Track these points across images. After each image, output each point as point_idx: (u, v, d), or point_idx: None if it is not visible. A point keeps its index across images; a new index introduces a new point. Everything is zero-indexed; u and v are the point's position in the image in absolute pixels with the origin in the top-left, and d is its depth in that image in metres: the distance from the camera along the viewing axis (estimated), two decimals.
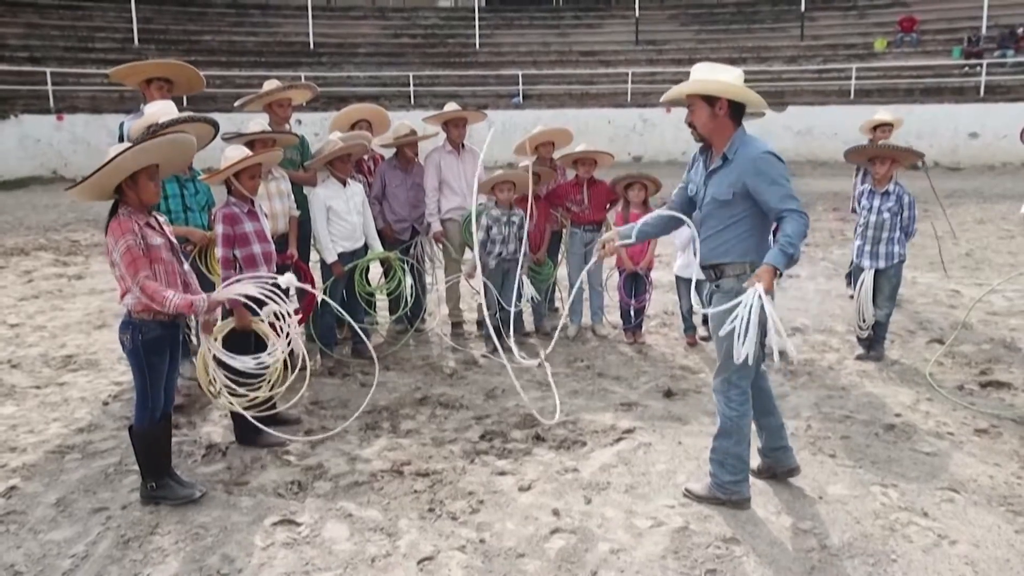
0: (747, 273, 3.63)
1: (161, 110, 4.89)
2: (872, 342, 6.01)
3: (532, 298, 6.66)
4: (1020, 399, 5.24)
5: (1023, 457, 4.37)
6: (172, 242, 3.93)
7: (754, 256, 3.67)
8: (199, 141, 5.02)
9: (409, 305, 6.44)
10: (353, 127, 6.56)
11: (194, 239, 5.17)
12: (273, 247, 4.85)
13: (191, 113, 5.06)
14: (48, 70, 19.06)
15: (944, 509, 3.83)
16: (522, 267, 6.34)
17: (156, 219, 3.89)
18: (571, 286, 6.75)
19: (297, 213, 5.88)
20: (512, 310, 6.32)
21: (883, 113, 7.92)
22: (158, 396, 3.87)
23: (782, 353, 3.89)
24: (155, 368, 3.84)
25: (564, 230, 6.86)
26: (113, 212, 3.73)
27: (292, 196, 5.86)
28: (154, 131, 4.35)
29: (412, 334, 6.77)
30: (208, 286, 5.20)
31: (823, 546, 3.53)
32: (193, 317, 3.84)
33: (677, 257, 6.27)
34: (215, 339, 4.21)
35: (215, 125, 4.92)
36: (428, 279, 6.89)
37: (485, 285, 6.22)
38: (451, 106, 6.69)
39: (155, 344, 3.81)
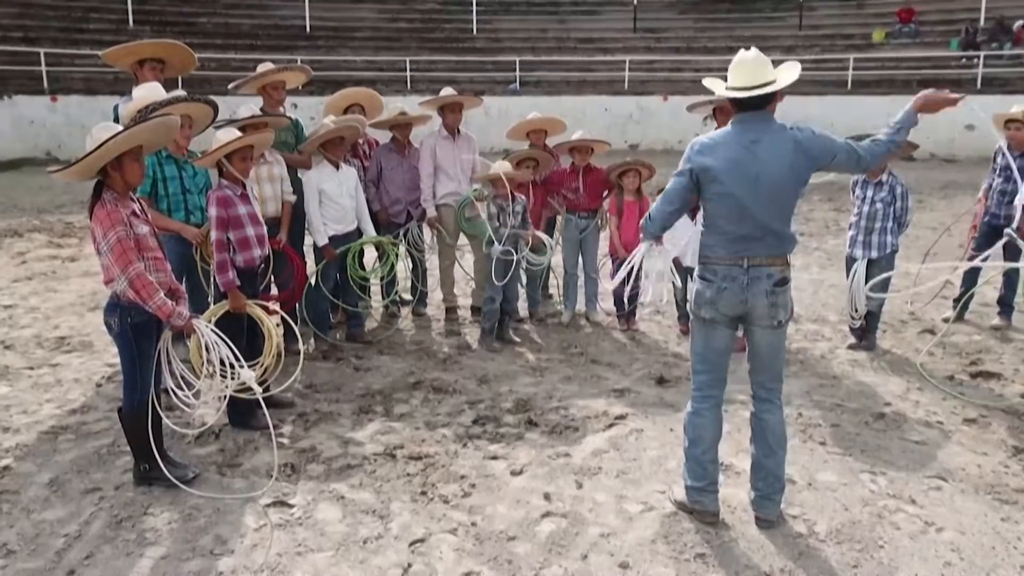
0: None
1: (148, 94, 4.86)
2: (864, 332, 6.04)
3: (521, 285, 6.62)
4: (1009, 389, 5.28)
5: (1011, 447, 4.41)
6: (155, 228, 3.95)
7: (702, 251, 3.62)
8: (199, 123, 5.00)
9: (397, 291, 6.39)
10: (346, 111, 6.53)
11: (187, 236, 5.08)
12: (265, 230, 4.83)
13: (182, 93, 5.03)
14: (42, 51, 18.88)
15: (931, 497, 3.86)
16: (524, 256, 6.29)
17: (140, 204, 3.89)
18: (566, 272, 6.76)
19: (293, 199, 5.84)
20: (516, 302, 6.28)
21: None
22: (147, 379, 3.86)
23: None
24: (144, 351, 3.83)
25: (559, 217, 6.86)
26: (96, 195, 3.70)
27: (287, 181, 5.81)
28: (152, 110, 4.34)
29: (409, 318, 6.77)
30: (200, 289, 5.21)
31: (811, 532, 3.57)
32: (166, 321, 3.82)
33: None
34: (209, 321, 4.21)
35: (214, 106, 4.88)
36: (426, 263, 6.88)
37: (488, 276, 6.20)
38: (447, 91, 6.67)
39: (144, 327, 3.80)
